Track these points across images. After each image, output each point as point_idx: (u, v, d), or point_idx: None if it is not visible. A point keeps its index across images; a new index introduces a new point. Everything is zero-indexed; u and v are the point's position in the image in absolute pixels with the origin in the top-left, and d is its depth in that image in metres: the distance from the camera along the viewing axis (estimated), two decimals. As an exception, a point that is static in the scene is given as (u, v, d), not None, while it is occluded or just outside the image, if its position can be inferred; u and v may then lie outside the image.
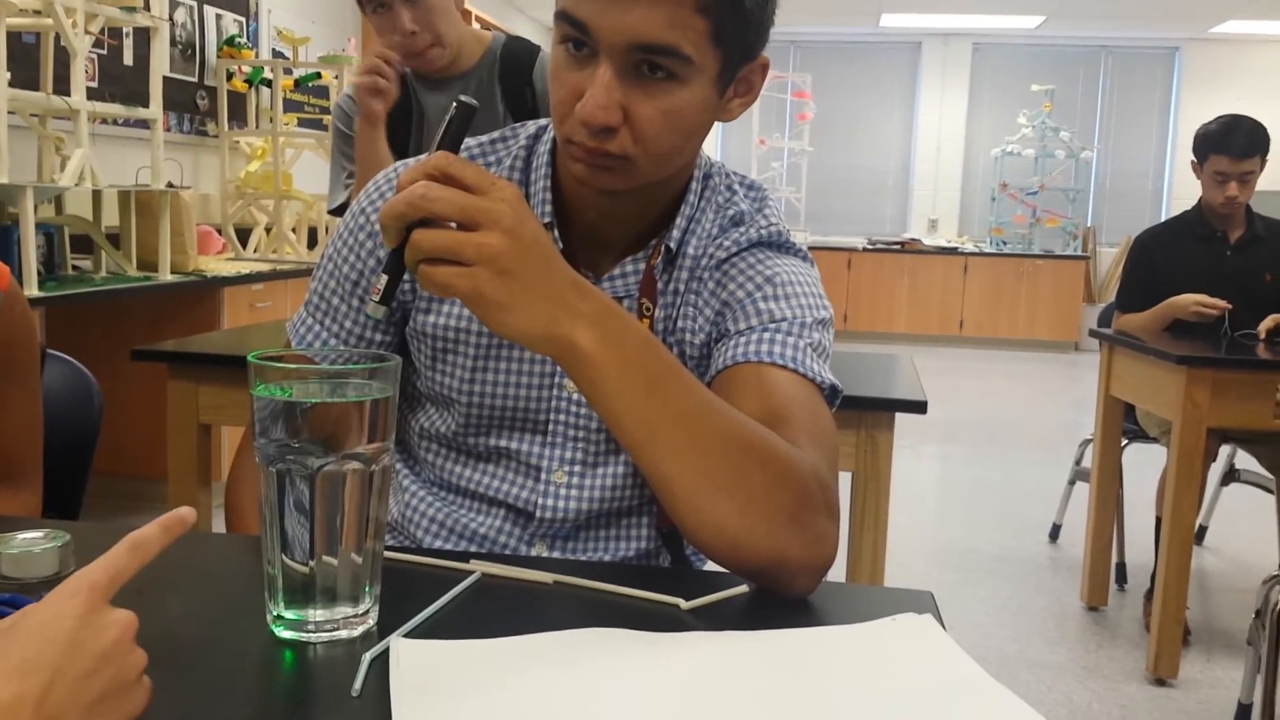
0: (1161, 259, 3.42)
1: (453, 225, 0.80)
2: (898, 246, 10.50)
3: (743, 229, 1.15)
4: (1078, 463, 4.04)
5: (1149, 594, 3.29)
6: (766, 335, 1.05)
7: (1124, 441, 3.50)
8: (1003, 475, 5.33)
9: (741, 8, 0.96)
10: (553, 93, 1.00)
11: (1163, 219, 3.58)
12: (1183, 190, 10.29)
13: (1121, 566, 3.65)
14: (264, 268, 4.48)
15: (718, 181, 1.17)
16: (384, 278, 0.83)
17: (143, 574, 0.71)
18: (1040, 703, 2.75)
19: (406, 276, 0.83)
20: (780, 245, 1.16)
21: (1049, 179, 10.57)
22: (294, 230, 5.24)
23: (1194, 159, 3.37)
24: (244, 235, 5.23)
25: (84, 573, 0.62)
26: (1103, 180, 10.87)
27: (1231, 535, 4.29)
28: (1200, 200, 3.42)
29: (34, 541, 0.89)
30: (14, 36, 3.65)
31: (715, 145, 10.97)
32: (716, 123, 1.05)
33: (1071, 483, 4.11)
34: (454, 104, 0.86)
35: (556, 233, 1.09)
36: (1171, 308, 3.27)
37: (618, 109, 0.95)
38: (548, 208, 1.10)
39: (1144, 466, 4.00)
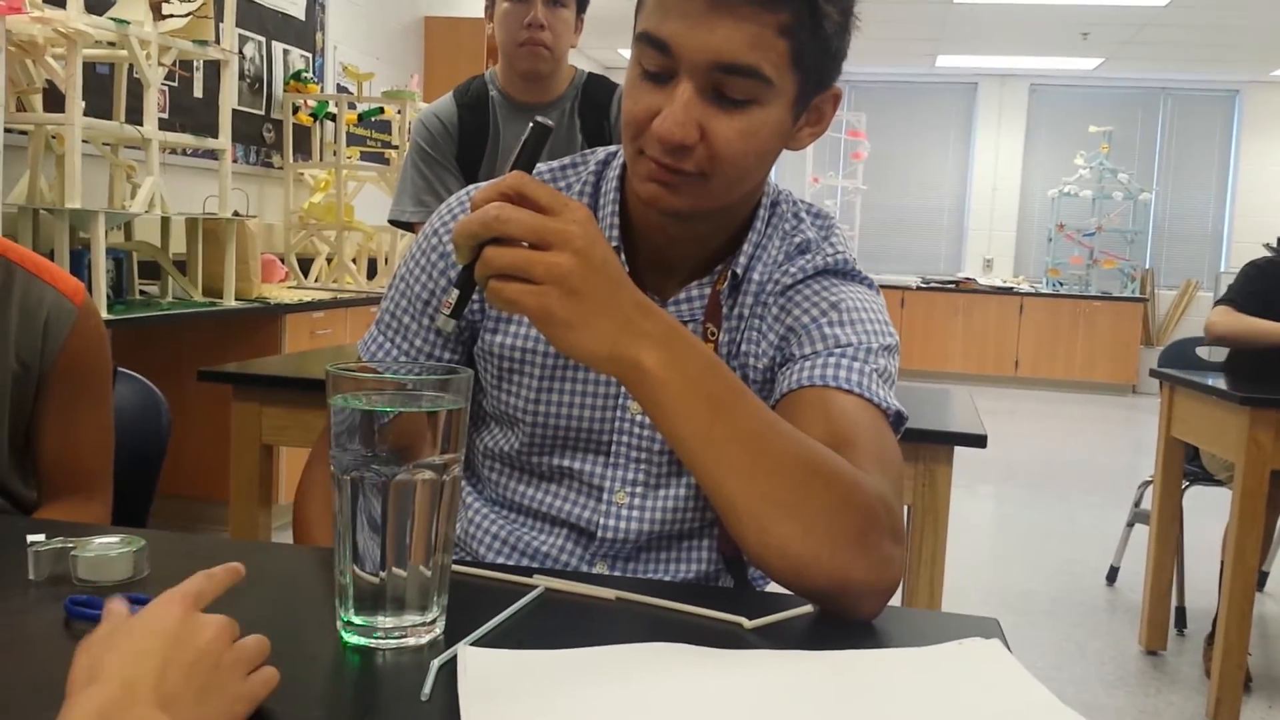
0: (1275, 282, 3.32)
1: (525, 244, 0.82)
2: (952, 285, 10.43)
3: (809, 256, 1.15)
4: (1136, 505, 3.97)
5: (1209, 639, 3.22)
6: (832, 360, 1.06)
7: (1185, 484, 3.44)
8: (1060, 516, 5.25)
9: (821, 32, 0.97)
10: (625, 110, 1.01)
11: (1222, 262, 3.48)
12: (1243, 234, 10.14)
13: (1181, 610, 3.58)
14: (325, 296, 4.54)
15: (785, 209, 1.18)
16: (455, 292, 0.85)
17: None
18: (1098, 747, 2.70)
19: (476, 295, 0.85)
20: (846, 273, 1.16)
21: (1107, 220, 10.46)
22: (354, 260, 5.31)
23: None
24: (306, 264, 5.32)
25: (175, 589, 0.69)
26: (1161, 222, 10.74)
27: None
28: None
29: (110, 546, 0.91)
30: (89, 67, 3.74)
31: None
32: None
33: (1130, 525, 4.04)
34: (530, 125, 0.88)
35: (623, 256, 1.10)
36: None
37: (695, 126, 0.96)
38: (615, 231, 1.11)
39: (1204, 510, 3.93)
